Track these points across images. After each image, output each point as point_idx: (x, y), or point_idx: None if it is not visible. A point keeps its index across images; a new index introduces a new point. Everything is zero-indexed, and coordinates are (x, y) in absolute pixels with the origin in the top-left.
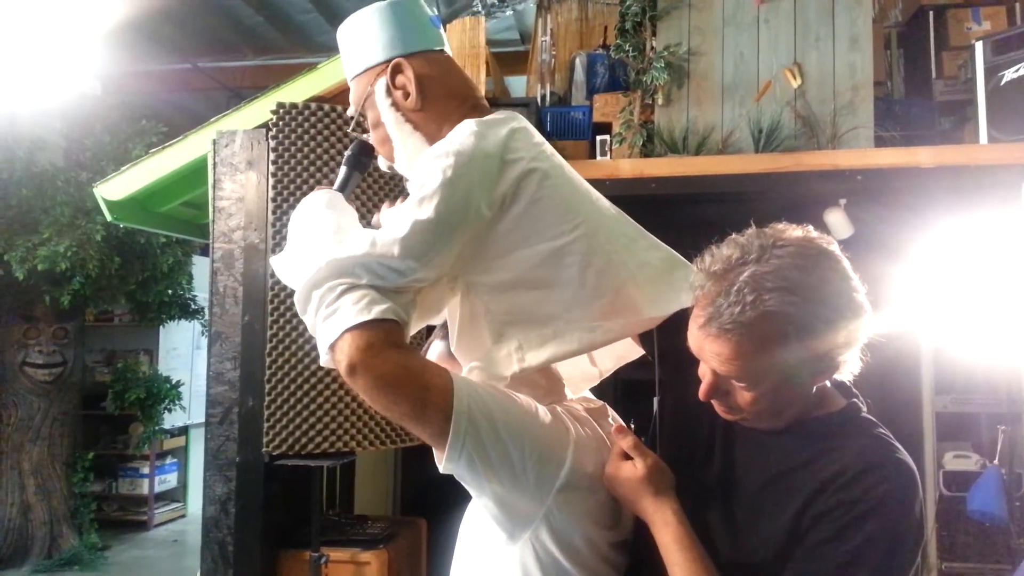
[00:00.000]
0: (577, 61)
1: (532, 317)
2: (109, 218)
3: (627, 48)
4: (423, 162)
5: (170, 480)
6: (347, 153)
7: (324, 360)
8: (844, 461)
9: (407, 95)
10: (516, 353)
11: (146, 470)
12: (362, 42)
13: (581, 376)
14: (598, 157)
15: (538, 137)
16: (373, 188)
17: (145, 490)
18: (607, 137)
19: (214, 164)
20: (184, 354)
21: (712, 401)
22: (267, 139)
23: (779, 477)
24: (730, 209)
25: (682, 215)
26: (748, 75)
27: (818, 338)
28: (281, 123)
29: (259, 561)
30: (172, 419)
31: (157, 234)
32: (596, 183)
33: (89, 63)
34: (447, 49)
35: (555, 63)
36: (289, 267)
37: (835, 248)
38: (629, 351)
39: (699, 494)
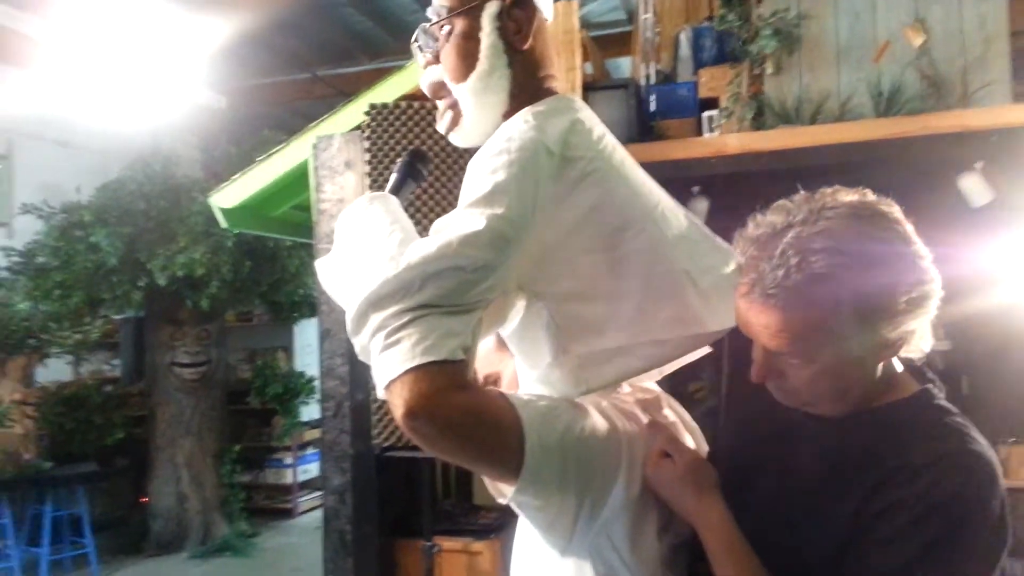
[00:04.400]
0: (682, 36)
1: (595, 331)
2: (224, 225)
3: (731, 18)
4: (482, 159)
5: (312, 470)
6: (400, 160)
7: (381, 393)
8: (910, 453)
9: (519, 30)
10: (578, 372)
11: (289, 460)
12: None
13: None
14: (705, 134)
15: (598, 128)
16: (423, 198)
17: (289, 479)
18: (715, 113)
19: (315, 168)
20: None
21: (769, 386)
22: (362, 140)
23: (841, 469)
24: (851, 180)
25: (797, 191)
26: (864, 36)
27: (874, 305)
28: (374, 124)
29: (376, 549)
30: (310, 412)
31: (282, 238)
32: (701, 161)
33: (214, 78)
34: (548, 18)
35: (660, 40)
36: (339, 274)
37: (895, 210)
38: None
39: (757, 488)
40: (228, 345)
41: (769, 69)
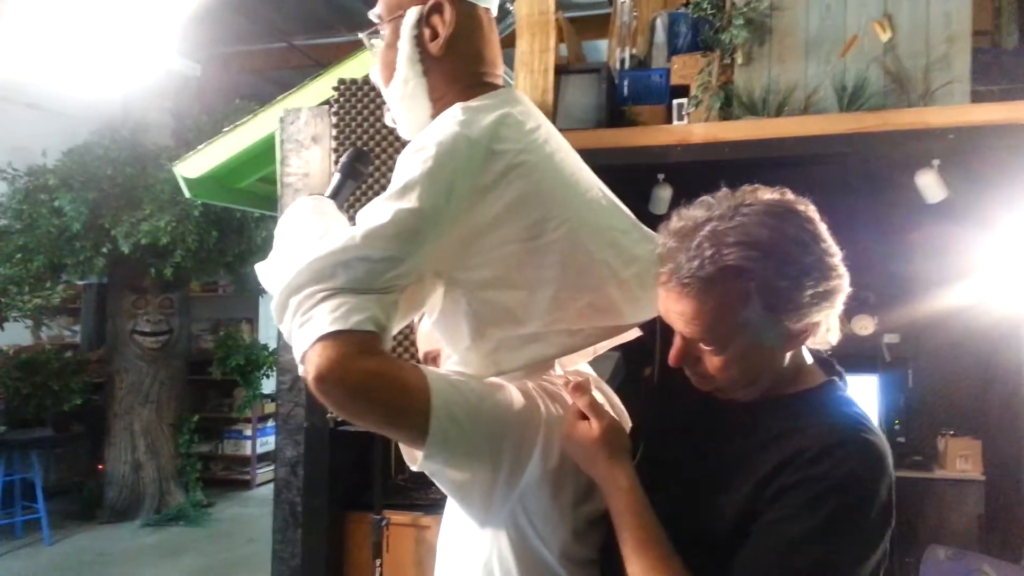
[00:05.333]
0: (658, 21)
1: (512, 318)
2: (188, 195)
3: (705, 5)
4: (405, 154)
5: (271, 442)
6: (342, 160)
7: (301, 370)
8: (809, 439)
9: (434, 36)
10: (493, 355)
11: (249, 432)
12: None
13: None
14: (675, 121)
15: (533, 121)
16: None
17: (248, 451)
18: (684, 101)
19: (281, 141)
20: None
21: (686, 371)
22: (329, 115)
23: (746, 452)
24: (812, 173)
25: (760, 181)
26: (835, 29)
27: (781, 297)
28: (342, 99)
29: (326, 521)
30: (271, 384)
31: (250, 210)
32: (666, 149)
33: (189, 45)
34: (493, 9)
35: (637, 25)
36: (272, 274)
37: (810, 209)
38: (629, 332)
39: (669, 465)
40: (192, 315)
41: (739, 59)
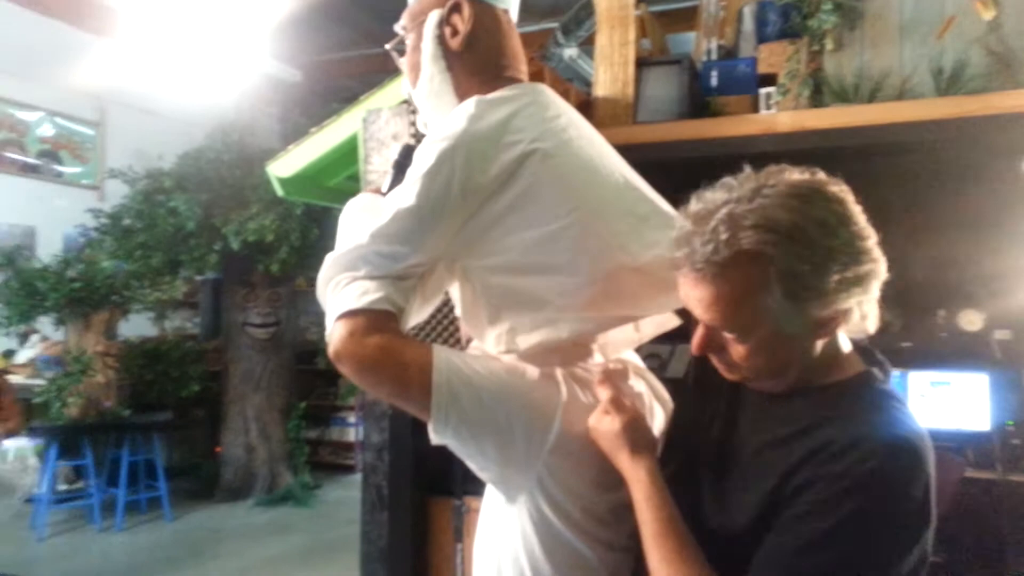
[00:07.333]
0: (745, 10)
1: (525, 301)
2: (280, 194)
3: None
4: (422, 146)
5: None
6: (394, 158)
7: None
8: (836, 432)
9: (455, 34)
10: (507, 335)
11: (352, 419)
12: None
13: (623, 339)
14: (762, 111)
15: (553, 110)
16: None
17: (352, 437)
18: (772, 89)
19: (364, 140)
20: None
21: (712, 360)
22: (408, 114)
23: (772, 444)
24: (908, 161)
25: (851, 171)
26: (931, 10)
27: (804, 283)
28: None
29: (409, 505)
30: None
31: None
32: (751, 139)
33: (292, 52)
34: (512, 12)
35: (725, 15)
36: None
37: (842, 190)
38: (670, 320)
39: (698, 455)
40: (299, 308)
41: (829, 45)
